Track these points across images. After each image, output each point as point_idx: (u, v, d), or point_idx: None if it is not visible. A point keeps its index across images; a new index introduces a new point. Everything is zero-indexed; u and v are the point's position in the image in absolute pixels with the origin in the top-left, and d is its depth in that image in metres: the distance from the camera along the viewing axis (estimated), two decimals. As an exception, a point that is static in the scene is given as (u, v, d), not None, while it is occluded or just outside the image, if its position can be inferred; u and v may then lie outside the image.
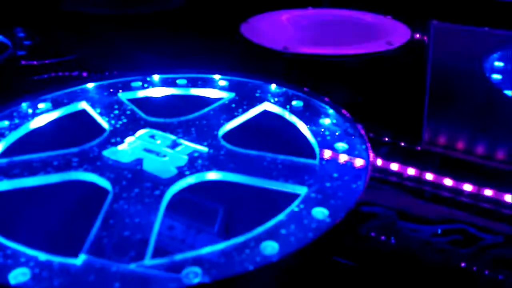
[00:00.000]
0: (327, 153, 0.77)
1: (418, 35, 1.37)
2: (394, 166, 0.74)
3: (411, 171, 0.74)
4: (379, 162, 0.75)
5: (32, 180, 0.71)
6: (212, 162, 0.75)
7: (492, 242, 0.60)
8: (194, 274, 0.53)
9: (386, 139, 0.83)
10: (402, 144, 0.83)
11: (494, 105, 0.96)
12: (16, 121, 0.86)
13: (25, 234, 0.61)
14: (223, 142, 0.80)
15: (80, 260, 0.55)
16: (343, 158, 0.76)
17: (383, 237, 0.60)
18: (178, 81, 1.04)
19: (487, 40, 1.37)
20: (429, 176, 0.72)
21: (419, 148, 0.84)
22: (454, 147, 0.84)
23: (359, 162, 0.75)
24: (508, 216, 0.65)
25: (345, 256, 0.57)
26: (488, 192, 0.68)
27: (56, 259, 0.55)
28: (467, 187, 0.69)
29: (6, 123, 0.86)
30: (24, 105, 0.92)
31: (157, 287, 0.52)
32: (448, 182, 0.70)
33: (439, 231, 0.62)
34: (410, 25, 1.40)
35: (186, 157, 0.76)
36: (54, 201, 0.70)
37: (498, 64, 1.14)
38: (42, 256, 0.55)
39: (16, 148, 0.81)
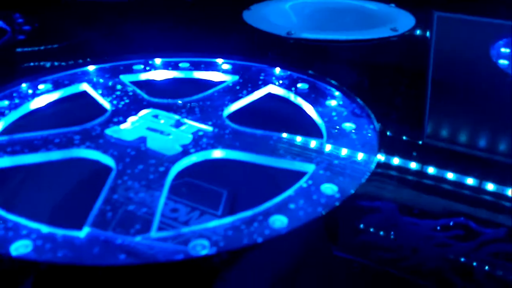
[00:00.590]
0: (335, 132, 0.75)
1: (422, 23, 1.36)
2: (395, 161, 0.72)
3: (412, 164, 0.72)
4: (388, 139, 0.73)
5: (33, 157, 0.69)
6: (217, 141, 0.73)
7: (493, 237, 0.59)
8: (202, 246, 0.52)
9: (392, 118, 0.82)
10: (403, 137, 0.81)
11: (503, 89, 0.94)
12: (16, 101, 0.85)
13: (28, 209, 0.59)
14: (227, 122, 0.79)
15: (84, 232, 0.53)
16: (350, 136, 0.74)
17: (383, 232, 0.59)
18: (180, 64, 1.02)
19: (492, 30, 1.35)
20: (430, 170, 0.71)
21: (420, 142, 0.82)
22: (457, 137, 0.83)
23: (367, 140, 0.73)
24: (510, 210, 0.63)
25: (345, 249, 0.55)
26: (490, 186, 0.66)
27: (59, 231, 0.53)
28: (469, 181, 0.67)
29: (6, 102, 0.84)
30: (24, 85, 0.90)
31: (164, 259, 0.50)
32: (450, 175, 0.69)
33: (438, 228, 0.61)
34: (413, 13, 1.38)
35: (190, 136, 0.74)
36: (56, 177, 0.68)
37: (505, 50, 1.13)
38: (45, 228, 0.54)
39: (16, 127, 0.79)
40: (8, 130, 0.78)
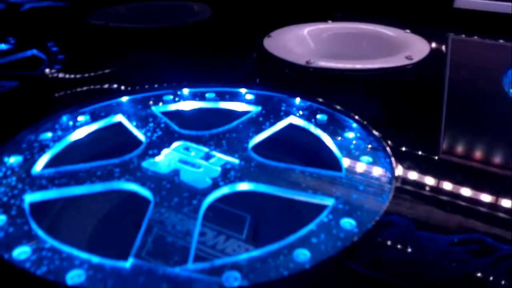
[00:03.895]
0: (353, 166, 0.81)
1: (436, 49, 1.41)
2: (412, 176, 0.78)
3: (428, 180, 0.78)
4: (399, 172, 0.79)
5: (78, 189, 0.76)
6: (244, 174, 0.80)
7: (509, 253, 0.63)
8: (234, 278, 0.58)
9: (403, 149, 0.87)
10: (420, 153, 0.87)
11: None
12: (59, 133, 0.93)
13: (77, 239, 0.67)
14: (253, 154, 0.85)
15: (129, 263, 0.60)
16: (368, 170, 0.80)
17: (400, 246, 0.64)
18: (207, 95, 1.10)
19: (506, 54, 1.40)
20: (447, 186, 0.77)
21: (436, 158, 0.88)
22: (471, 158, 0.88)
23: (383, 174, 0.79)
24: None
25: (364, 264, 0.61)
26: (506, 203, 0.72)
27: (107, 262, 0.60)
28: (485, 197, 0.73)
29: (49, 135, 0.92)
30: (64, 118, 0.98)
31: (201, 290, 0.57)
32: (466, 192, 0.75)
33: (455, 240, 0.66)
34: (428, 39, 1.44)
35: (219, 169, 0.81)
36: (100, 208, 0.75)
37: (516, 78, 1.17)
38: (95, 259, 0.60)
39: (60, 159, 0.86)
40: (53, 161, 0.85)
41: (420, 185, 0.78)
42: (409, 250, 0.64)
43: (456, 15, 1.63)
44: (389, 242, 0.65)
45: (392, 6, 1.74)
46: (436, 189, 0.77)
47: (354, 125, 0.95)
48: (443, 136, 0.95)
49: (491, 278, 0.59)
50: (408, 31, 1.49)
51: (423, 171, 0.80)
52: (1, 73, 1.24)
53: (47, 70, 1.26)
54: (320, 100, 1.03)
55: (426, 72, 1.26)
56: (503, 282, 0.58)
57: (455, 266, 0.61)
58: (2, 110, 1.03)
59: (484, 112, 1.05)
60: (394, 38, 1.45)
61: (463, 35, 1.55)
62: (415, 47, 1.34)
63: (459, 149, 0.93)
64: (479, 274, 0.59)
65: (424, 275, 0.60)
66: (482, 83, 1.19)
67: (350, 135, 0.92)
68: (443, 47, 1.46)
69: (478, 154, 0.91)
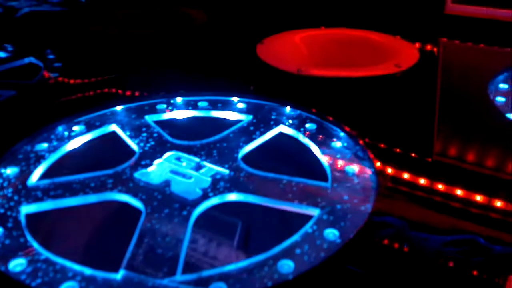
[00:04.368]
0: (338, 176, 0.84)
1: (427, 54, 1.44)
2: (405, 177, 0.82)
3: (421, 181, 0.81)
4: (387, 183, 0.82)
5: (73, 200, 0.79)
6: (233, 184, 0.82)
7: (501, 252, 0.66)
8: (220, 289, 0.61)
9: (396, 151, 0.91)
10: (413, 155, 0.90)
11: (496, 128, 1.02)
12: (54, 143, 0.95)
13: (68, 251, 0.69)
14: (242, 165, 0.88)
15: (120, 275, 0.63)
16: (353, 180, 0.83)
17: (395, 246, 0.67)
18: (199, 104, 1.12)
19: (496, 59, 1.42)
20: (439, 187, 0.80)
21: (429, 159, 0.91)
22: (463, 161, 0.91)
23: (367, 184, 0.81)
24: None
25: (357, 264, 0.64)
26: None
27: (99, 273, 0.63)
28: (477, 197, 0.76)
29: (45, 145, 0.94)
30: (60, 128, 1.00)
31: (188, 301, 0.60)
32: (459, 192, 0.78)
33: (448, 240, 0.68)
34: (419, 45, 1.46)
35: (209, 179, 0.83)
36: (93, 219, 0.78)
37: (503, 86, 1.19)
38: (87, 271, 0.63)
39: (55, 169, 0.89)
40: (49, 172, 0.88)
41: (409, 185, 0.81)
42: (403, 250, 0.67)
43: (447, 21, 1.65)
44: (383, 242, 0.68)
45: (384, 12, 1.76)
46: (427, 189, 0.80)
47: (342, 134, 0.98)
48: (435, 138, 0.99)
49: (483, 278, 0.62)
50: (398, 37, 1.51)
51: (412, 172, 0.84)
52: (-1, 82, 1.27)
53: (43, 79, 1.28)
54: (310, 108, 1.06)
55: (416, 79, 1.28)
56: (495, 282, 0.61)
57: (448, 266, 0.64)
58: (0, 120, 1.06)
59: (472, 119, 1.08)
60: (384, 44, 1.47)
61: (455, 41, 1.57)
62: (404, 54, 1.36)
63: (452, 152, 0.96)
64: (471, 274, 0.62)
65: (417, 275, 0.63)
66: (470, 89, 1.22)
67: (338, 144, 0.94)
68: (434, 53, 1.48)
69: (469, 158, 0.94)
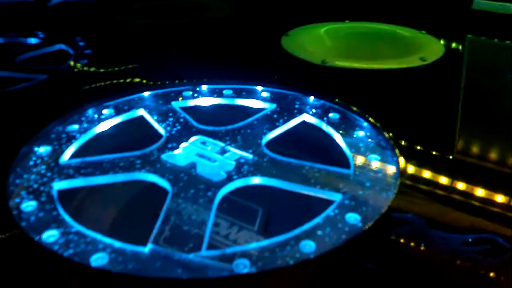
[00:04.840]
0: (361, 163, 0.85)
1: (452, 50, 1.43)
2: (426, 175, 0.82)
3: (442, 179, 0.81)
4: (410, 171, 0.83)
5: (103, 178, 0.82)
6: (256, 168, 0.84)
7: None
8: (244, 265, 0.63)
9: (417, 148, 0.91)
10: (434, 153, 0.90)
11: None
12: (85, 125, 0.98)
13: (100, 225, 0.72)
14: (266, 150, 0.90)
15: (147, 248, 0.65)
16: (375, 168, 0.84)
17: (412, 243, 0.68)
18: (224, 92, 1.14)
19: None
20: (460, 185, 0.80)
21: (450, 157, 0.91)
22: (485, 159, 0.91)
23: (389, 172, 0.82)
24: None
25: (374, 261, 0.65)
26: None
27: (128, 246, 0.66)
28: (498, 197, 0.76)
29: (75, 126, 0.98)
30: (90, 111, 1.04)
31: (212, 275, 0.62)
32: (479, 192, 0.78)
33: (469, 240, 0.69)
34: (444, 40, 1.45)
35: (233, 163, 0.85)
36: (122, 197, 0.81)
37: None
38: (117, 243, 0.66)
39: (86, 150, 0.92)
40: (79, 152, 0.91)
41: (429, 183, 0.81)
42: (421, 248, 0.67)
43: (474, 16, 1.64)
44: (401, 240, 0.68)
45: (409, 6, 1.75)
46: (447, 188, 0.80)
47: (365, 124, 0.99)
48: (458, 137, 0.98)
49: (502, 278, 0.62)
50: (424, 31, 1.51)
51: (433, 170, 0.84)
52: (31, 66, 1.31)
53: (73, 64, 1.32)
54: (333, 99, 1.07)
55: (440, 73, 1.28)
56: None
57: (465, 265, 0.64)
58: (33, 102, 1.10)
59: (499, 115, 1.07)
60: (410, 38, 1.47)
61: (481, 37, 1.56)
62: (429, 49, 1.36)
63: (474, 149, 0.96)
64: (490, 274, 0.62)
65: (433, 274, 0.63)
66: (495, 86, 1.21)
67: (360, 133, 0.95)
68: (460, 49, 1.47)
69: (491, 156, 0.93)
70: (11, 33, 1.55)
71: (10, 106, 1.08)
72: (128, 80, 1.20)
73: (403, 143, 0.91)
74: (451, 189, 0.81)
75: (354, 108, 1.03)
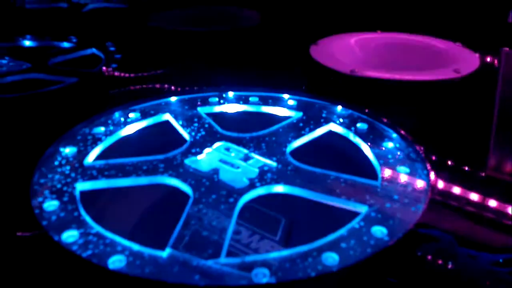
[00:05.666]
0: (389, 175, 0.82)
1: (487, 63, 1.38)
2: (456, 191, 0.78)
3: (473, 196, 0.77)
4: (440, 186, 0.79)
5: (125, 181, 0.81)
6: (280, 176, 0.82)
7: None
8: (263, 275, 0.61)
9: (449, 163, 0.87)
10: (465, 169, 0.86)
11: None
12: (111, 128, 0.99)
13: (118, 228, 0.71)
14: (290, 159, 0.88)
15: (166, 253, 0.64)
16: (404, 181, 0.80)
17: (440, 261, 0.64)
18: (250, 99, 1.13)
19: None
20: (492, 203, 0.76)
21: (482, 174, 0.87)
22: None
23: (419, 186, 0.79)
24: None
25: (399, 277, 0.62)
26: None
27: (146, 250, 0.64)
28: None
29: (102, 129, 0.98)
30: (117, 114, 1.04)
31: (230, 283, 0.60)
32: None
33: (500, 260, 0.65)
34: (479, 53, 1.41)
35: (257, 170, 0.84)
36: (143, 200, 0.80)
37: None
38: (135, 246, 0.65)
39: (111, 152, 0.92)
40: (104, 154, 0.91)
41: (459, 199, 0.77)
42: (449, 266, 0.64)
43: (510, 29, 1.58)
44: (428, 257, 0.65)
45: (444, 18, 1.71)
46: (478, 205, 0.76)
47: (394, 135, 0.96)
48: (491, 152, 0.94)
49: None
50: (459, 44, 1.46)
51: (464, 186, 0.80)
52: (63, 69, 1.33)
53: (104, 68, 1.34)
54: (362, 108, 1.04)
55: (475, 86, 1.23)
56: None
57: (496, 287, 0.60)
58: (62, 104, 1.11)
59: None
60: (444, 50, 1.43)
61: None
62: (464, 60, 1.32)
63: (507, 166, 0.91)
64: None
65: None
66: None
67: (389, 145, 0.92)
68: (495, 62, 1.42)
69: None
70: (45, 37, 1.59)
71: (40, 107, 1.10)
72: (155, 85, 1.21)
73: (434, 156, 0.87)
74: (482, 206, 0.76)
75: (384, 119, 1.00)
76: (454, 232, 0.70)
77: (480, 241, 0.69)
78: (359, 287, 0.61)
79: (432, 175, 0.81)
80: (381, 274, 0.63)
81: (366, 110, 1.03)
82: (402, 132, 0.95)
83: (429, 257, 0.65)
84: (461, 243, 0.67)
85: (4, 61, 1.34)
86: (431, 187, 0.79)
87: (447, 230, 0.70)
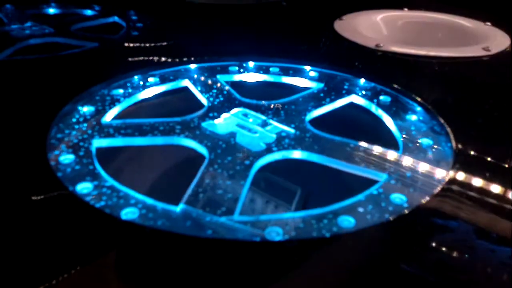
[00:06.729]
0: (411, 146, 0.79)
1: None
2: (476, 182, 0.73)
3: (494, 188, 0.72)
4: (463, 159, 0.76)
5: (141, 140, 0.81)
6: (298, 142, 0.80)
7: None
8: (276, 233, 0.59)
9: (474, 139, 0.83)
10: (488, 159, 0.82)
11: None
12: (130, 90, 0.98)
13: (136, 183, 0.71)
14: (309, 126, 0.86)
15: (179, 208, 0.63)
16: (426, 152, 0.78)
17: (456, 253, 0.61)
18: (271, 69, 1.11)
19: None
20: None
21: (506, 165, 0.83)
22: None
23: (442, 157, 0.76)
24: None
25: (415, 267, 0.58)
26: None
27: (160, 204, 0.64)
28: None
29: (121, 91, 0.97)
30: (136, 77, 1.04)
31: (243, 238, 0.59)
32: None
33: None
34: (510, 33, 1.35)
35: (274, 136, 0.82)
36: (159, 159, 0.80)
37: None
38: (149, 200, 0.64)
39: (129, 113, 0.92)
40: (122, 114, 0.91)
41: (480, 172, 0.74)
42: (466, 258, 0.60)
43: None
44: (443, 248, 0.61)
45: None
46: (499, 196, 0.73)
47: (418, 108, 0.93)
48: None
49: None
50: (488, 23, 1.41)
51: (486, 158, 0.76)
52: (84, 34, 1.33)
53: (125, 36, 1.33)
54: (385, 82, 1.01)
55: (505, 66, 1.19)
56: None
57: None
58: (81, 66, 1.11)
59: None
60: (472, 29, 1.38)
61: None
62: (494, 40, 1.27)
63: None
64: None
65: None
66: None
67: (413, 117, 0.89)
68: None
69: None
70: (68, 5, 1.59)
71: (61, 68, 1.10)
72: (176, 53, 1.19)
73: (458, 130, 0.84)
74: (503, 199, 0.72)
75: (407, 92, 0.97)
76: (473, 224, 0.66)
77: (501, 233, 0.66)
78: (374, 253, 0.59)
79: (456, 147, 0.78)
80: (397, 244, 0.61)
81: (390, 84, 1.00)
82: (427, 106, 0.92)
83: (445, 248, 0.61)
84: (480, 236, 0.64)
85: (27, 25, 1.35)
86: (455, 158, 0.76)
87: (466, 221, 0.66)
